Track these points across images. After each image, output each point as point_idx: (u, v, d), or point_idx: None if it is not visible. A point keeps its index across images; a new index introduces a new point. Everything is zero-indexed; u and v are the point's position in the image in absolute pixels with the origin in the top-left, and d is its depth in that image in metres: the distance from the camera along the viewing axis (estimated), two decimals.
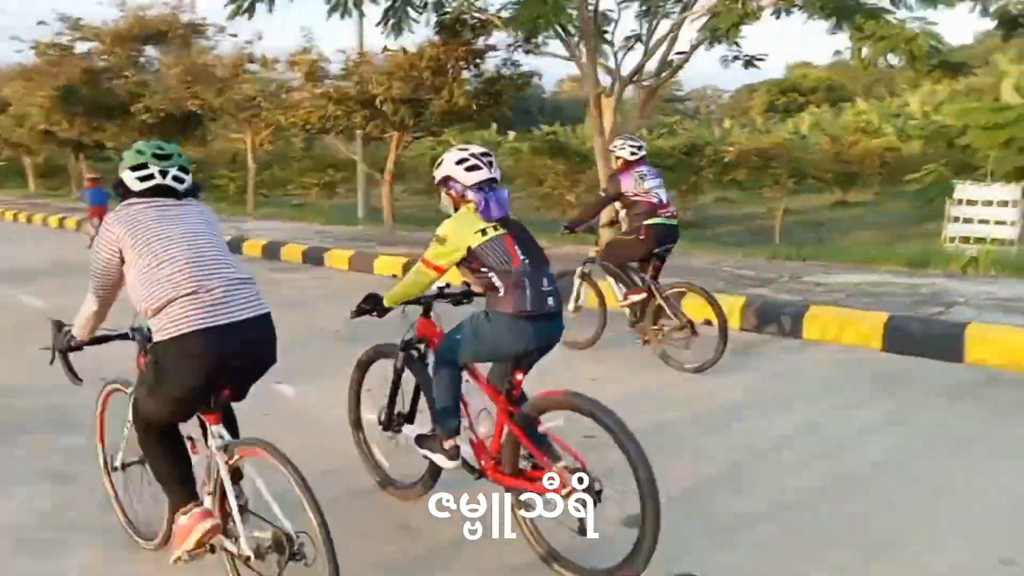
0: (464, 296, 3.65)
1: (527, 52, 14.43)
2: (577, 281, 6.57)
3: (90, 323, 2.87)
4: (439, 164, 3.34)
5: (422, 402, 3.63)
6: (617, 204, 6.21)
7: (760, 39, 13.87)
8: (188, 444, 2.85)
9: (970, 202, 9.50)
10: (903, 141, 27.36)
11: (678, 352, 6.06)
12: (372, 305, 3.51)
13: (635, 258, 6.15)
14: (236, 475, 2.70)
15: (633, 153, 6.03)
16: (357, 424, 4.02)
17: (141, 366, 2.86)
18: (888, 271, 9.32)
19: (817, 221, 20.68)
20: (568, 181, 17.77)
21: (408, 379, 3.67)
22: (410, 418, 3.67)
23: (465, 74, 14.21)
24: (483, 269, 3.16)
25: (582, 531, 2.94)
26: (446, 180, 3.29)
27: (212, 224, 2.81)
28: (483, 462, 3.34)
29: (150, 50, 22.52)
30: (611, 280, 6.44)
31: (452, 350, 3.30)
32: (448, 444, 3.34)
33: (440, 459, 3.36)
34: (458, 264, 3.23)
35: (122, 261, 2.65)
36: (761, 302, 7.57)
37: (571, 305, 6.46)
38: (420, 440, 3.45)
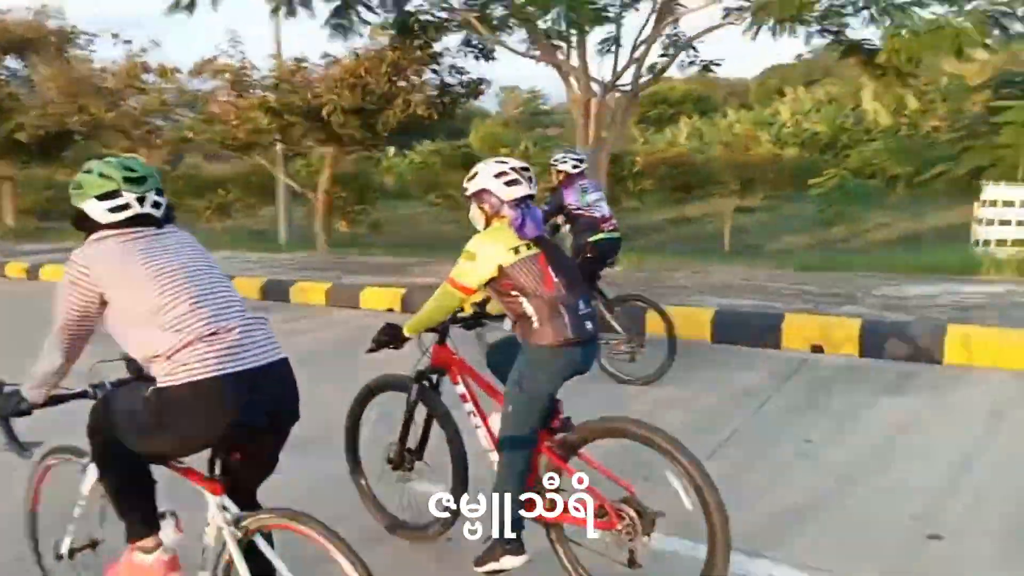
0: (475, 319, 3.38)
1: (477, 58, 13.02)
2: None
3: (50, 381, 2.39)
4: (473, 176, 3.05)
5: (433, 437, 3.34)
6: (560, 218, 5.91)
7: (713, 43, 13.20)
8: (172, 521, 2.45)
9: (1006, 203, 8.91)
10: (780, 148, 27.86)
11: (622, 366, 5.74)
12: (391, 336, 3.20)
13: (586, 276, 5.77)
14: (250, 553, 2.21)
15: (575, 166, 5.76)
16: (357, 465, 3.59)
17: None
18: (950, 280, 8.46)
19: (735, 227, 20.25)
20: None
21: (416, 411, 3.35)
22: (420, 454, 3.36)
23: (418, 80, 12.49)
24: (513, 292, 2.88)
25: (631, 563, 2.70)
26: (481, 193, 3.01)
27: (206, 254, 2.42)
28: None
29: (12, 61, 19.03)
30: None
31: (514, 428, 2.90)
32: (505, 559, 2.87)
33: (511, 561, 2.87)
34: (485, 285, 2.95)
35: (103, 305, 2.26)
36: (881, 324, 6.48)
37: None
38: (480, 562, 2.92)
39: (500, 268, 2.87)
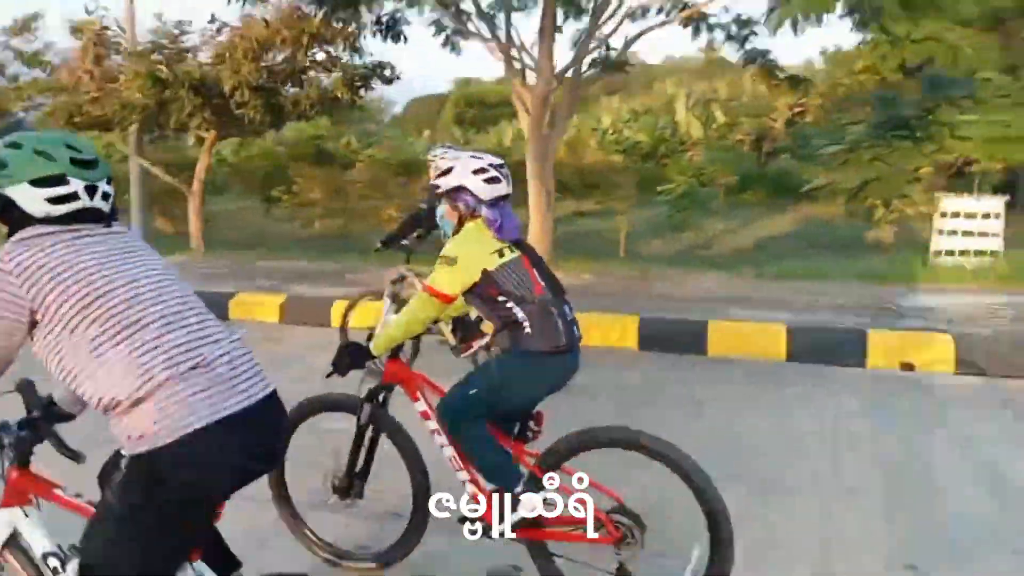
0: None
1: (386, 39, 11.45)
2: (387, 300, 5.68)
3: None
4: (447, 171, 2.78)
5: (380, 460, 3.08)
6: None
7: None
8: None
9: (968, 215, 9.06)
10: (605, 154, 28.35)
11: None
12: (356, 358, 2.85)
13: None
14: None
15: None
16: (286, 499, 3.19)
17: (18, 483, 1.91)
18: (957, 290, 8.31)
19: (593, 231, 19.98)
20: (381, 193, 14.55)
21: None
22: (365, 478, 3.07)
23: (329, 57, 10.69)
24: (500, 298, 2.66)
25: (621, 573, 2.56)
26: (456, 191, 2.75)
27: (166, 262, 1.92)
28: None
29: None
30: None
31: (468, 409, 2.71)
32: (524, 498, 2.64)
33: (530, 502, 2.65)
34: (467, 293, 2.71)
35: (32, 326, 1.70)
36: (972, 339, 6.08)
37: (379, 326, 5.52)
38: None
39: (485, 273, 2.65)
